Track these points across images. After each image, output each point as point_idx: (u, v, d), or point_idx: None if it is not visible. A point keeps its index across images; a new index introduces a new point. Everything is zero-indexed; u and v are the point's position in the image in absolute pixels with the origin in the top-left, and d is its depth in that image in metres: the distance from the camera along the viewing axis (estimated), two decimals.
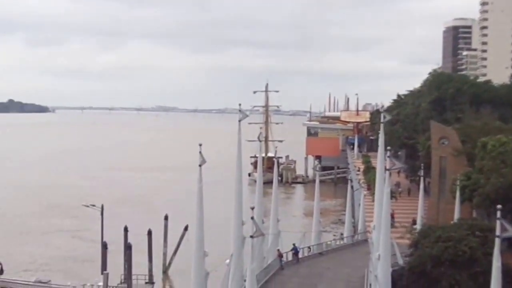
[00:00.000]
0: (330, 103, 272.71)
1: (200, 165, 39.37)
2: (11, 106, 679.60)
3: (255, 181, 62.52)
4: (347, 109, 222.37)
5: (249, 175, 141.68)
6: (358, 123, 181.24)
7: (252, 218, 37.35)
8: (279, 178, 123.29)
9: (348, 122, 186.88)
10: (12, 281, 63.04)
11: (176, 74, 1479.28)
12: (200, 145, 39.23)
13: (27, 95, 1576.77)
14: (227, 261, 44.56)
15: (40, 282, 63.78)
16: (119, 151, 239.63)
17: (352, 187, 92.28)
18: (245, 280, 42.78)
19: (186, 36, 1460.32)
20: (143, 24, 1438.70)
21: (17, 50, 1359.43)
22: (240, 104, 46.47)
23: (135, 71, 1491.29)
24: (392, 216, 70.96)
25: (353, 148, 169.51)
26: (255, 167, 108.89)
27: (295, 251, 64.13)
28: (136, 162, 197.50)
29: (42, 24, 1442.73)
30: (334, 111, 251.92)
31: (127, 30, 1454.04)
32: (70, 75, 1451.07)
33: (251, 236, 37.00)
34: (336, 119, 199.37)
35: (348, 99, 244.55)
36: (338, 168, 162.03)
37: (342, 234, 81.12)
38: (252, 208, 39.14)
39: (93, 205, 70.58)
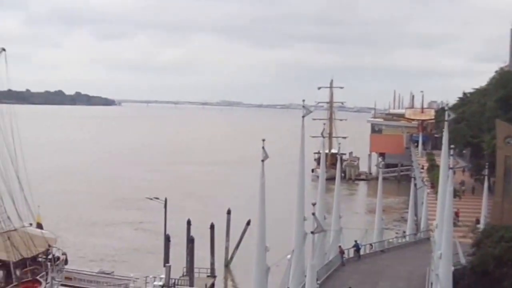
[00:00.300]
0: (395, 100, 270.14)
1: (262, 160, 39.47)
2: (78, 99, 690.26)
3: (318, 177, 62.46)
4: (412, 106, 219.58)
5: (312, 171, 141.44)
6: (423, 120, 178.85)
7: (313, 214, 37.28)
8: (342, 174, 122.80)
9: (413, 119, 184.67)
10: (76, 271, 64.17)
11: (241, 69, 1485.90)
12: (263, 140, 39.32)
13: (94, 88, 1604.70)
14: (288, 256, 44.68)
15: (104, 273, 64.76)
16: (183, 145, 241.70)
17: (415, 185, 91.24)
18: (305, 276, 42.79)
19: (251, 31, 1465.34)
20: (209, 18, 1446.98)
21: (85, 44, 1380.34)
22: (304, 100, 46.43)
23: (200, 65, 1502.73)
24: (457, 215, 70.20)
25: (417, 146, 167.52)
26: (319, 163, 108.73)
27: (357, 248, 63.95)
28: (200, 156, 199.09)
29: (110, 18, 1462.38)
30: (398, 108, 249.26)
31: (193, 24, 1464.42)
32: (136, 68, 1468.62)
33: (312, 232, 36.94)
34: (401, 116, 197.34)
35: (413, 96, 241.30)
36: (402, 165, 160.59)
37: (404, 232, 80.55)
38: (314, 204, 39.05)
39: (157, 198, 71.51)
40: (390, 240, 72.84)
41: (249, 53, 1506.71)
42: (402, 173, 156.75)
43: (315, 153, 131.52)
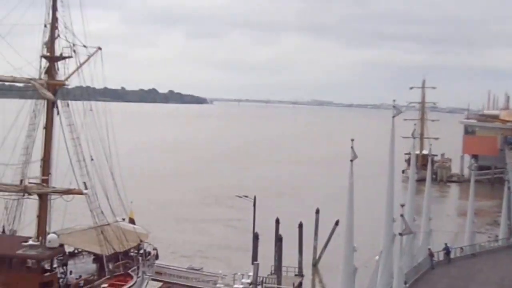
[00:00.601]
0: (489, 101, 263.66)
1: (351, 160, 39.40)
2: (171, 97, 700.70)
3: (408, 178, 61.80)
4: (507, 107, 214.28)
5: (403, 172, 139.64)
6: None
7: (401, 215, 37.05)
8: (433, 176, 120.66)
9: (508, 121, 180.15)
10: (166, 266, 65.32)
11: (331, 68, 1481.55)
12: (352, 140, 39.24)
13: (186, 86, 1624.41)
14: (376, 257, 44.42)
15: (193, 269, 65.70)
16: (273, 143, 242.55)
17: (509, 188, 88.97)
18: (393, 278, 42.51)
19: (342, 30, 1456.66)
20: (300, 17, 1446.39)
21: (177, 43, 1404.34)
22: (394, 100, 46.03)
23: (291, 64, 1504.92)
24: None
25: (511, 148, 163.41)
26: (409, 164, 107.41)
27: (447, 250, 62.90)
28: (290, 154, 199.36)
29: (202, 17, 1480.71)
30: (493, 109, 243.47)
31: (284, 23, 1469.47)
32: (227, 67, 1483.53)
33: (400, 234, 36.73)
34: (495, 117, 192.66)
35: (508, 97, 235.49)
36: (495, 168, 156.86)
37: (496, 236, 78.72)
38: (402, 206, 38.78)
39: (246, 196, 72.12)
40: (482, 244, 71.34)
41: (338, 52, 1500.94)
42: (495, 176, 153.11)
43: (405, 154, 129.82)
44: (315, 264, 75.67)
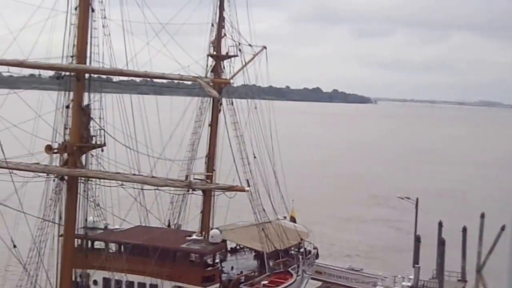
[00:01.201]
0: None
1: None
2: (335, 96, 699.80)
3: None
4: None
5: None
6: None
7: None
8: None
9: None
10: (326, 266, 65.24)
11: (502, 69, 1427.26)
12: None
13: (350, 86, 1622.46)
14: None
15: (353, 269, 65.24)
16: (437, 145, 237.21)
17: None
18: None
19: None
20: (468, 16, 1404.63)
21: (342, 41, 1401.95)
22: None
23: (457, 63, 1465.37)
24: None
25: None
26: None
27: None
28: (454, 156, 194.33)
29: (368, 16, 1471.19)
30: None
31: (451, 22, 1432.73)
32: (392, 67, 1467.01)
33: None
34: None
35: None
36: None
37: None
38: None
39: (408, 198, 70.79)
40: None
41: (508, 51, 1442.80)
42: None
43: None
44: (479, 270, 73.11)
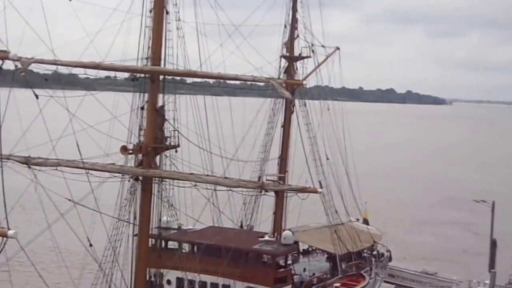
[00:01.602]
0: None
1: None
2: (408, 97, 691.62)
3: None
4: None
5: None
6: None
7: None
8: None
9: None
10: (399, 269, 64.50)
11: None
12: None
13: (425, 86, 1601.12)
14: None
15: (427, 273, 64.33)
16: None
17: None
18: None
19: None
20: None
21: (416, 42, 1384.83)
22: None
23: None
24: None
25: None
26: None
27: None
28: None
29: (442, 16, 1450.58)
30: None
31: None
32: (468, 67, 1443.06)
33: None
34: None
35: None
36: None
37: None
38: None
39: (484, 201, 69.31)
40: None
41: None
42: None
43: None
44: None
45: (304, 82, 55.71)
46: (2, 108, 21.84)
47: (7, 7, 25.37)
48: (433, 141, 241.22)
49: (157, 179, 35.17)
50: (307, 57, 58.34)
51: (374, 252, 60.54)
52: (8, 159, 32.04)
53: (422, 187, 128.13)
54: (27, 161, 33.33)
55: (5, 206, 21.50)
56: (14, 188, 29.65)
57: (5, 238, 20.93)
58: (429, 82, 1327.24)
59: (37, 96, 27.32)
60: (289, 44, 57.92)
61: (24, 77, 27.03)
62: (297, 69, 58.45)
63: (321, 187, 54.16)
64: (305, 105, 57.66)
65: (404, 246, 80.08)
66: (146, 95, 34.52)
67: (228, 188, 34.58)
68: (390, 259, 63.62)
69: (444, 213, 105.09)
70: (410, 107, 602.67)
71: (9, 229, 20.89)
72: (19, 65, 25.82)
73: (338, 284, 52.74)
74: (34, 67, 29.28)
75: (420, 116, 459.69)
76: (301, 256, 59.69)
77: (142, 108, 34.52)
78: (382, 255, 61.59)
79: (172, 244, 50.40)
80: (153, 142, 34.46)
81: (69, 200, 33.36)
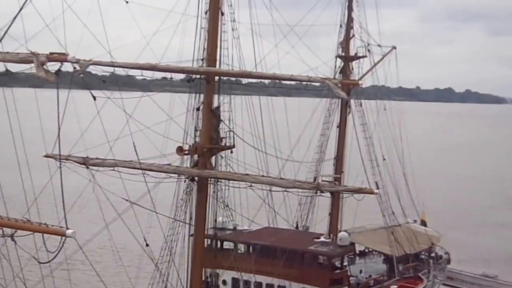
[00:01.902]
0: None
1: None
2: (468, 96, 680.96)
3: None
4: None
5: None
6: None
7: None
8: None
9: None
10: (458, 271, 63.58)
11: None
12: None
13: (484, 85, 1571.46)
14: None
15: (487, 276, 63.24)
16: None
17: None
18: None
19: None
20: None
21: (475, 40, 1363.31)
22: None
23: None
24: None
25: None
26: None
27: None
28: None
29: (503, 13, 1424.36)
30: None
31: None
32: None
33: None
34: None
35: None
36: None
37: None
38: None
39: None
40: None
41: None
42: None
43: None
44: None
45: (360, 82, 55.20)
46: (61, 110, 22.12)
47: (66, 10, 25.68)
48: (492, 141, 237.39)
49: (212, 179, 35.30)
50: (363, 56, 58.02)
51: (432, 254, 59.86)
52: (67, 159, 32.63)
53: (483, 188, 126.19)
54: (85, 162, 33.88)
55: (63, 206, 21.76)
56: (72, 188, 30.14)
57: (63, 238, 21.19)
58: (489, 81, 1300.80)
59: (94, 98, 27.67)
60: (345, 44, 57.69)
61: (82, 79, 27.37)
62: (352, 69, 58.16)
63: (377, 188, 53.76)
64: (361, 105, 57.34)
65: (463, 248, 78.81)
66: (202, 96, 34.67)
67: (284, 189, 34.47)
68: (448, 261, 62.76)
69: (505, 215, 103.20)
70: (469, 107, 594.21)
71: (67, 228, 21.14)
72: (78, 67, 26.11)
73: (395, 286, 52.26)
74: (92, 69, 29.71)
75: (479, 115, 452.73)
76: (357, 257, 59.27)
77: (198, 109, 34.69)
78: (441, 257, 60.82)
79: (227, 245, 50.50)
80: (209, 143, 34.59)
81: (126, 200, 33.67)
